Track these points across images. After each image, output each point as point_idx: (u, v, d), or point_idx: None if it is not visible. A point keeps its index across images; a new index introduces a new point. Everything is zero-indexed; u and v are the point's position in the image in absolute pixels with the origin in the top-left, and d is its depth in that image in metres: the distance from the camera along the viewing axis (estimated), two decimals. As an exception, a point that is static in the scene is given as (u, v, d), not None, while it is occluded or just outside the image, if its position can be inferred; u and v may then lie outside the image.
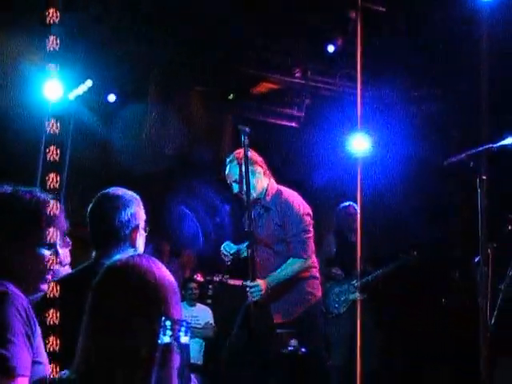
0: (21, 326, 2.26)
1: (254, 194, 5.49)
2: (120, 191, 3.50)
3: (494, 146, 4.69)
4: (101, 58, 8.20)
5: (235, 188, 5.52)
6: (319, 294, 5.78)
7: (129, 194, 3.52)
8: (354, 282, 7.67)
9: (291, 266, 5.49)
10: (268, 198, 5.60)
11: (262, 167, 5.59)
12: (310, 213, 5.65)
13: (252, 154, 5.50)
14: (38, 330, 2.37)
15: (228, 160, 5.62)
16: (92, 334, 2.01)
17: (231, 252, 5.68)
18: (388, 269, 7.67)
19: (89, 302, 2.05)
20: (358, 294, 7.68)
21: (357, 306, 7.65)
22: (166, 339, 1.54)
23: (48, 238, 2.45)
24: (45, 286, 2.53)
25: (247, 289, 5.32)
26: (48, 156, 2.47)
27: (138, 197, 3.54)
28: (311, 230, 5.61)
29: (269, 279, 5.39)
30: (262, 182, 5.58)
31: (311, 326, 5.64)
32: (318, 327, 5.81)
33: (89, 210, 3.48)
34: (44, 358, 2.41)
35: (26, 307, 2.32)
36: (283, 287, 5.51)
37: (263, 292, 5.31)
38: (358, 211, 7.64)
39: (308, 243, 5.57)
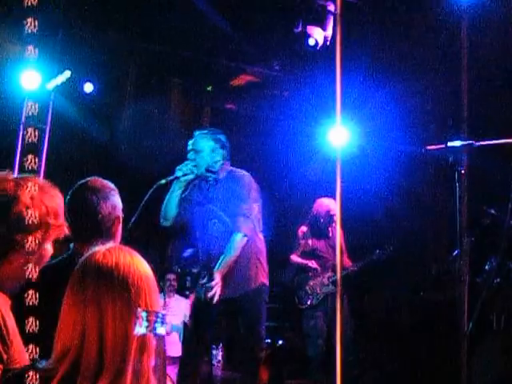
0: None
1: (208, 163, 5.71)
2: (99, 183, 3.46)
3: (475, 144, 4.73)
4: (79, 49, 8.15)
5: (191, 156, 5.72)
6: (262, 280, 5.82)
7: (107, 185, 3.48)
8: (330, 275, 7.71)
9: (234, 244, 5.59)
10: (220, 173, 5.76)
11: (223, 147, 5.82)
12: (258, 193, 5.81)
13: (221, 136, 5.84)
14: (14, 330, 2.34)
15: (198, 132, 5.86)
16: (70, 322, 2.00)
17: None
18: (363, 263, 7.72)
19: (67, 291, 2.04)
20: (332, 287, 7.72)
21: (330, 298, 7.72)
22: (143, 330, 1.53)
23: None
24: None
25: (207, 289, 5.43)
26: (26, 138, 2.43)
27: (114, 187, 3.51)
28: (256, 209, 5.74)
29: (220, 268, 5.49)
30: (218, 157, 5.77)
31: (251, 309, 5.72)
32: (258, 312, 5.81)
33: (67, 202, 3.37)
34: (22, 355, 2.38)
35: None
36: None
37: (219, 284, 5.42)
38: (337, 205, 7.66)
39: (250, 221, 5.67)
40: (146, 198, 5.11)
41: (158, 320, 1.51)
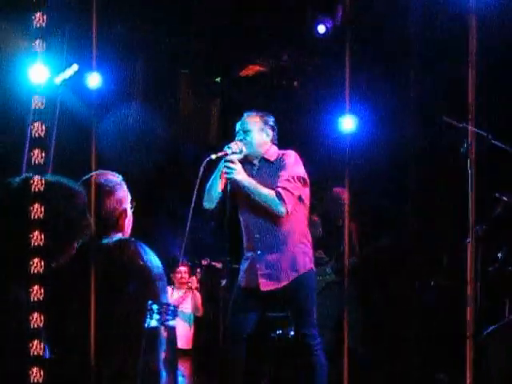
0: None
1: (256, 144, 5.64)
2: (102, 177, 3.44)
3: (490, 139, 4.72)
4: (87, 43, 8.14)
5: (239, 136, 5.63)
6: (311, 266, 5.77)
7: (112, 179, 3.46)
8: (332, 264, 7.70)
9: (268, 194, 5.47)
10: (267, 155, 5.68)
11: (273, 129, 5.77)
12: (305, 176, 5.68)
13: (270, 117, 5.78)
14: None
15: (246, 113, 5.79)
16: (79, 314, 2.00)
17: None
18: (368, 250, 7.70)
19: (77, 283, 2.04)
20: (333, 277, 7.71)
21: (338, 288, 7.71)
22: (153, 323, 1.52)
23: None
24: None
25: (225, 162, 5.37)
26: (33, 132, 2.43)
27: (121, 178, 3.48)
28: (302, 189, 5.61)
29: (248, 180, 5.44)
30: (266, 138, 5.72)
31: (300, 297, 5.67)
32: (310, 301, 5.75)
33: None
34: None
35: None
36: (273, 255, 5.56)
37: (237, 176, 5.37)
38: (347, 196, 7.66)
39: (293, 197, 5.53)
40: (199, 176, 5.10)
41: (169, 312, 1.50)
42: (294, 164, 5.63)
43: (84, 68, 8.29)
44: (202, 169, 5.20)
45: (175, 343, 1.56)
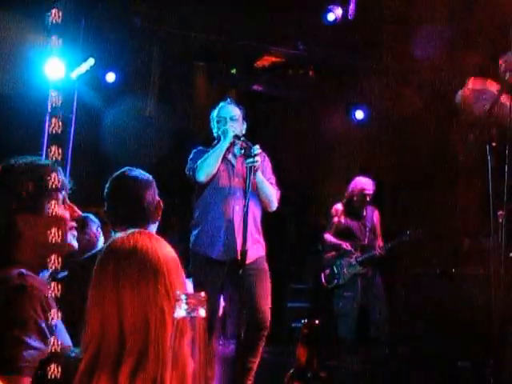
0: (35, 323, 2.26)
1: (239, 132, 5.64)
2: (136, 172, 3.56)
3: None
4: (103, 36, 8.16)
5: (226, 123, 5.61)
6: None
7: (144, 173, 3.59)
8: (357, 255, 7.71)
9: (273, 190, 5.61)
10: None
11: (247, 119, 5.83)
12: None
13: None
14: (56, 315, 2.35)
15: (225, 102, 5.80)
16: (92, 310, 2.00)
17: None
18: (392, 244, 7.68)
19: (92, 277, 2.04)
20: (359, 268, 7.71)
21: (361, 279, 7.73)
22: (182, 313, 1.51)
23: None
24: (74, 243, 2.57)
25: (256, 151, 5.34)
26: (51, 128, 2.45)
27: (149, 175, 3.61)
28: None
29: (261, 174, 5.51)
30: (245, 126, 5.79)
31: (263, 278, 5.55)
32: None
33: (110, 192, 3.53)
34: (65, 338, 2.40)
35: (42, 298, 2.31)
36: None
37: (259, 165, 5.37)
38: (372, 187, 7.69)
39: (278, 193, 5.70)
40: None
41: (198, 302, 1.50)
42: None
43: (100, 62, 8.31)
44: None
45: (205, 333, 1.55)
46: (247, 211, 5.25)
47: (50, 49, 2.59)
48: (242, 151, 5.59)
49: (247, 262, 5.17)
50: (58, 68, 7.16)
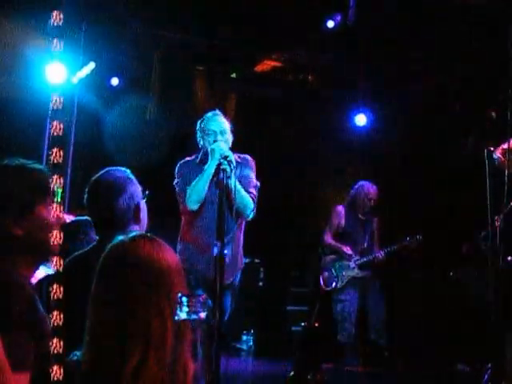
0: (23, 319, 2.25)
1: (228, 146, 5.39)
2: (111, 176, 3.42)
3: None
4: (103, 41, 8.16)
5: (215, 136, 5.38)
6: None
7: (121, 176, 3.43)
8: (356, 259, 7.73)
9: (249, 199, 5.31)
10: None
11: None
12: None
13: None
14: (43, 313, 2.36)
15: (213, 113, 5.58)
16: (99, 312, 2.02)
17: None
18: (391, 250, 7.70)
19: (94, 282, 2.05)
20: (357, 271, 7.74)
21: (361, 283, 7.75)
22: (183, 315, 1.53)
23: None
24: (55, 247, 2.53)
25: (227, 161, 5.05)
26: (52, 131, 2.46)
27: (128, 172, 3.47)
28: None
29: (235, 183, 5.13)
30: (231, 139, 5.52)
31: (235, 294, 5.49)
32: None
33: (86, 198, 3.41)
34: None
35: (29, 295, 2.31)
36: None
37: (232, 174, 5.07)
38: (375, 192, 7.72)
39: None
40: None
41: (199, 305, 1.51)
42: (255, 170, 5.54)
43: (100, 67, 8.33)
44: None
45: (206, 336, 1.58)
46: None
47: (51, 53, 2.60)
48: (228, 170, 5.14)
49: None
50: (58, 72, 7.17)
